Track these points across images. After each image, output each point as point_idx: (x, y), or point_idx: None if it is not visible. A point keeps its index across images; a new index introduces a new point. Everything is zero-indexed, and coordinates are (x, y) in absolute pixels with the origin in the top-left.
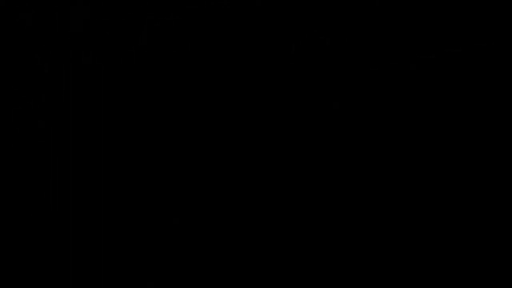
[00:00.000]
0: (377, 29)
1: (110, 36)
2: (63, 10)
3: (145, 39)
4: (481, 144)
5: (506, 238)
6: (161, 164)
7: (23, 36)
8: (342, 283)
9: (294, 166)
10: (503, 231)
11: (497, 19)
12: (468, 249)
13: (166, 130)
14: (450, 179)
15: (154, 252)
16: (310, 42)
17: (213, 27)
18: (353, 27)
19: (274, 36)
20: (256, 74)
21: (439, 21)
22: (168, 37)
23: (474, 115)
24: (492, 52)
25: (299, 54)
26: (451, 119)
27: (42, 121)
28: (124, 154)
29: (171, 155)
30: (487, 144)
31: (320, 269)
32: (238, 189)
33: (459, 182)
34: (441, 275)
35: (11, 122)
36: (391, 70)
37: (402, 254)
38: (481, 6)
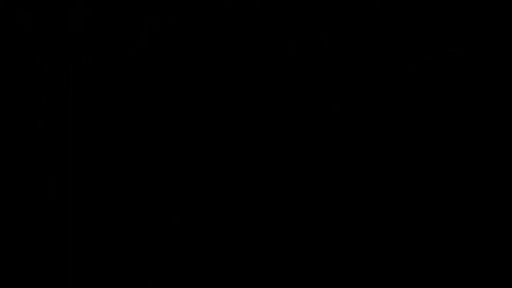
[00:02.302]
0: (377, 29)
1: (110, 36)
2: (63, 10)
3: (145, 39)
4: (481, 144)
5: (506, 238)
6: (161, 164)
7: (23, 36)
8: (342, 283)
9: (294, 166)
10: (503, 231)
11: (497, 19)
12: (468, 249)
13: (166, 130)
14: (450, 179)
15: (154, 252)
16: (310, 42)
17: (213, 27)
18: (353, 27)
19: (274, 36)
20: (256, 74)
21: (439, 21)
22: (168, 37)
23: (474, 115)
24: (492, 52)
25: (299, 54)
26: (451, 119)
27: (42, 121)
28: (124, 154)
29: (171, 155)
30: (487, 144)
31: (320, 269)
32: (238, 189)
33: (459, 182)
34: (441, 275)
35: (11, 122)
36: (391, 70)
37: (402, 254)
38: (481, 6)
